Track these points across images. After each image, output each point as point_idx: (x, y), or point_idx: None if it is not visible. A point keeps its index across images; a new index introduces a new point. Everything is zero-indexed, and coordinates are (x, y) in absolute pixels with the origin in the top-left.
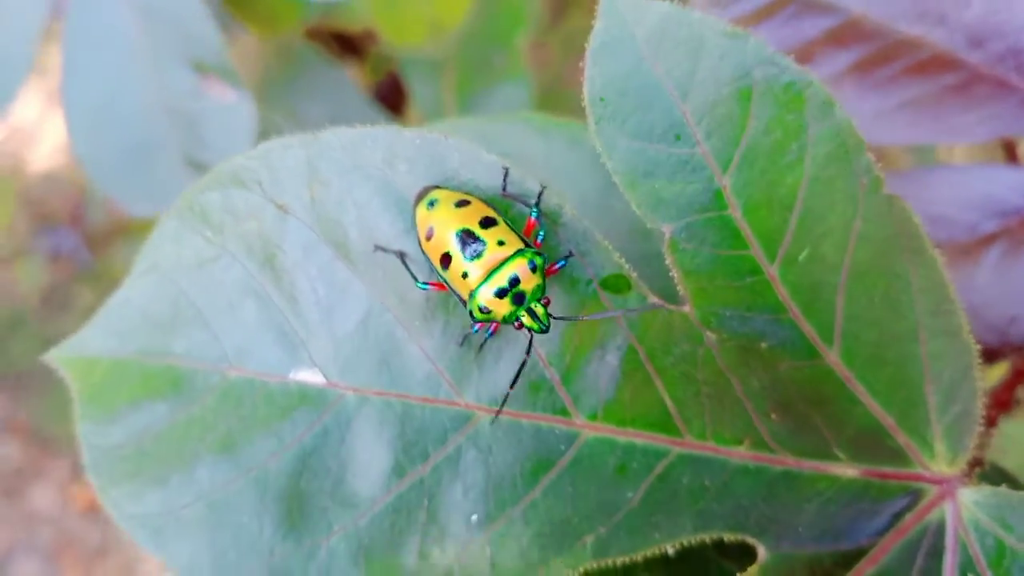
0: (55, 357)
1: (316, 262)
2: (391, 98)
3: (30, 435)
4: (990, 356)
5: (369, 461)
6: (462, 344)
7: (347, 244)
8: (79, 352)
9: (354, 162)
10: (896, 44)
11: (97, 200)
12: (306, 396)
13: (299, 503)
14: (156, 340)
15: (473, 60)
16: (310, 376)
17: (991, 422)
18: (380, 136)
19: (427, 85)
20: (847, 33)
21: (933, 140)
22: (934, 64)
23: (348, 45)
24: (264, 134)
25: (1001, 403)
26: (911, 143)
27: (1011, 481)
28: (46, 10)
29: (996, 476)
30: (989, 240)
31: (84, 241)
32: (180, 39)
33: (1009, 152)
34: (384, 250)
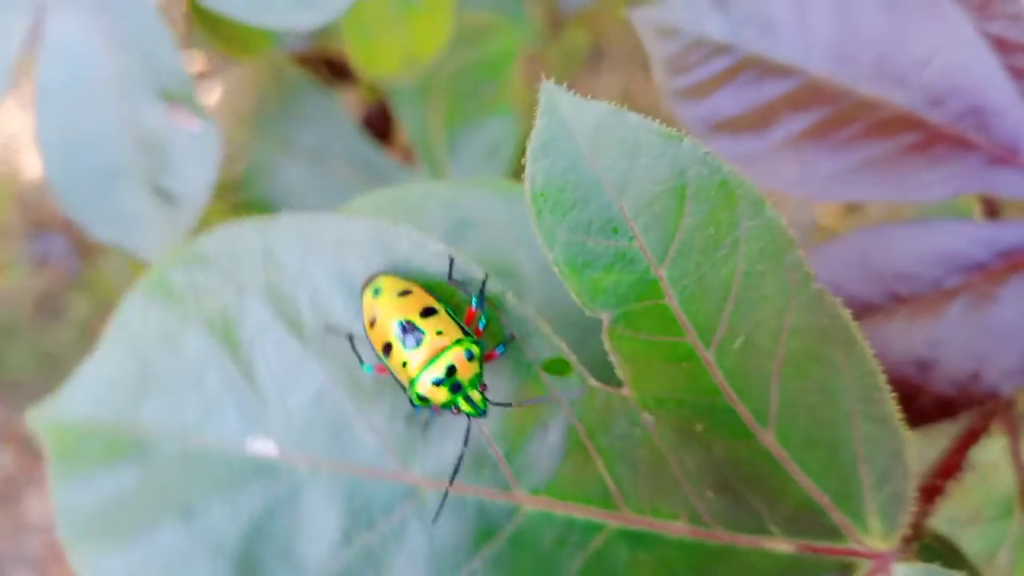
0: (33, 419)
1: (271, 339)
2: (379, 125)
3: (23, 444)
4: (948, 411)
5: (318, 529)
6: (408, 421)
7: (300, 323)
8: (55, 415)
9: (307, 247)
10: (856, 105)
11: None
12: (260, 466)
13: (252, 568)
14: (124, 408)
15: (462, 91)
16: (265, 447)
17: (939, 491)
18: (331, 222)
19: (415, 114)
20: (807, 95)
21: (894, 198)
22: (894, 124)
23: (339, 71)
24: (256, 164)
25: (951, 468)
26: (871, 201)
27: (950, 551)
28: (20, 40)
29: (937, 545)
30: (952, 294)
31: (75, 248)
32: (149, 70)
33: (987, 207)
34: (334, 331)
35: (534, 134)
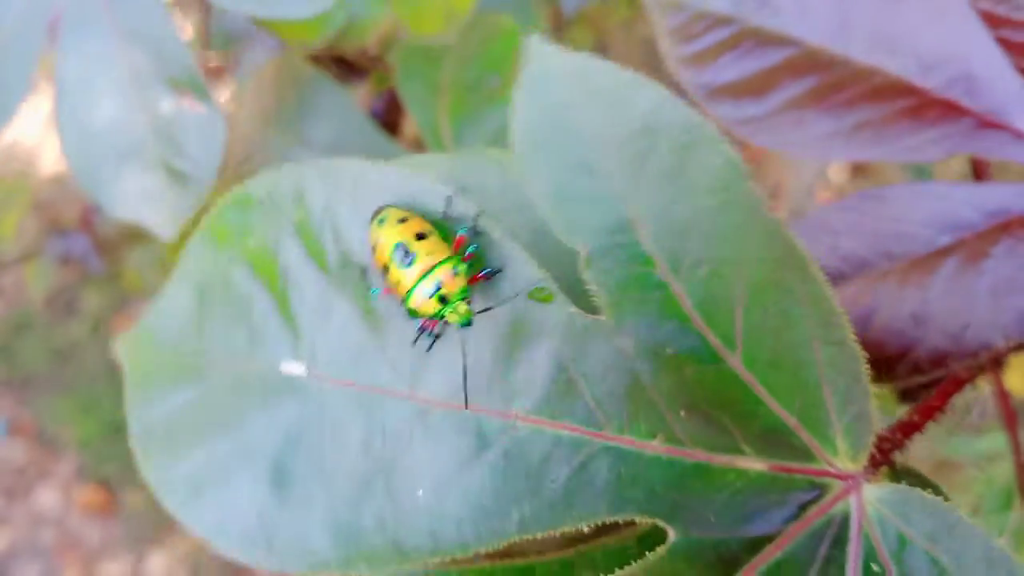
0: (118, 346)
1: (303, 274)
2: (388, 118)
3: (35, 436)
4: (941, 362)
5: (343, 440)
6: (415, 344)
7: (326, 258)
8: (133, 343)
9: (330, 189)
10: (852, 72)
11: None
12: (293, 385)
13: (287, 474)
14: (187, 336)
15: (468, 84)
16: (298, 368)
17: (916, 428)
18: (351, 166)
19: (423, 106)
20: (805, 62)
21: (887, 159)
22: (888, 89)
23: (349, 68)
24: (275, 157)
25: (931, 409)
26: (866, 160)
27: (917, 478)
28: (41, 40)
29: (904, 476)
30: (945, 253)
31: (94, 246)
32: (158, 59)
33: (978, 169)
34: (352, 264)
35: (518, 82)
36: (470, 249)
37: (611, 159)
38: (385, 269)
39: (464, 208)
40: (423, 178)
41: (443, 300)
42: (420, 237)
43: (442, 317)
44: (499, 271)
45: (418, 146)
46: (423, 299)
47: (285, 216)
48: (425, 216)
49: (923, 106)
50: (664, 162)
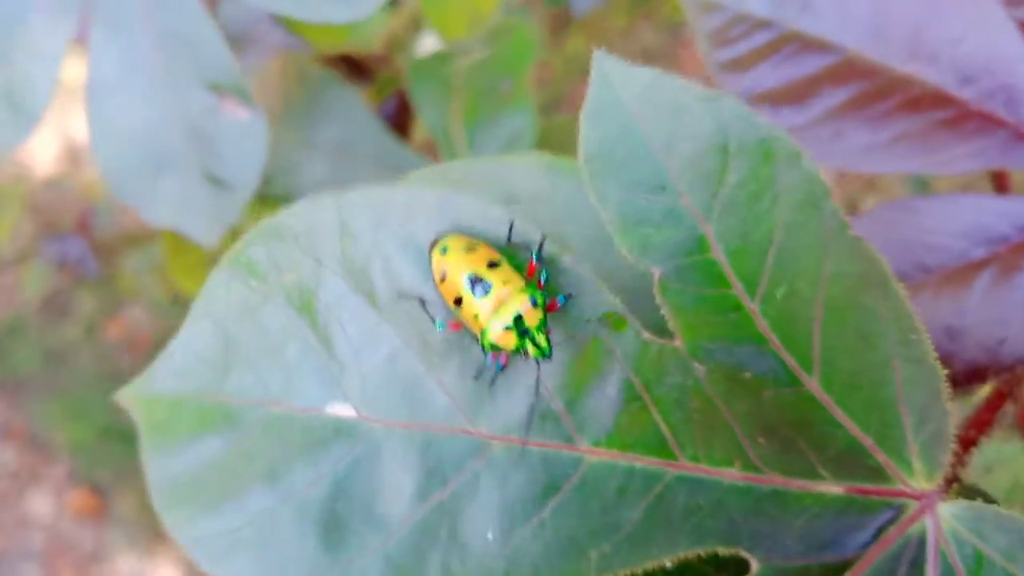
0: (124, 396)
1: (347, 308)
2: (397, 118)
3: (27, 440)
4: (978, 376)
5: (396, 486)
6: (476, 379)
7: (374, 291)
8: (144, 391)
9: (379, 218)
10: (892, 81)
11: (104, 209)
12: (340, 428)
13: (335, 525)
14: (210, 380)
15: (481, 87)
16: (343, 410)
17: (972, 442)
18: (400, 194)
19: (435, 109)
20: (844, 71)
21: (925, 171)
22: (926, 100)
23: (356, 68)
24: (281, 159)
25: (982, 423)
26: (904, 173)
27: (985, 497)
28: (69, 39)
29: (972, 494)
30: (979, 266)
31: (91, 250)
32: (196, 62)
33: (998, 182)
34: (406, 297)
35: (586, 99)
36: (542, 277)
37: (684, 176)
38: (458, 302)
39: (526, 230)
40: (479, 202)
41: (522, 332)
42: (492, 266)
43: (521, 350)
44: (572, 298)
45: (428, 149)
46: (501, 332)
47: (327, 250)
48: (488, 242)
49: (961, 118)
50: (741, 179)
